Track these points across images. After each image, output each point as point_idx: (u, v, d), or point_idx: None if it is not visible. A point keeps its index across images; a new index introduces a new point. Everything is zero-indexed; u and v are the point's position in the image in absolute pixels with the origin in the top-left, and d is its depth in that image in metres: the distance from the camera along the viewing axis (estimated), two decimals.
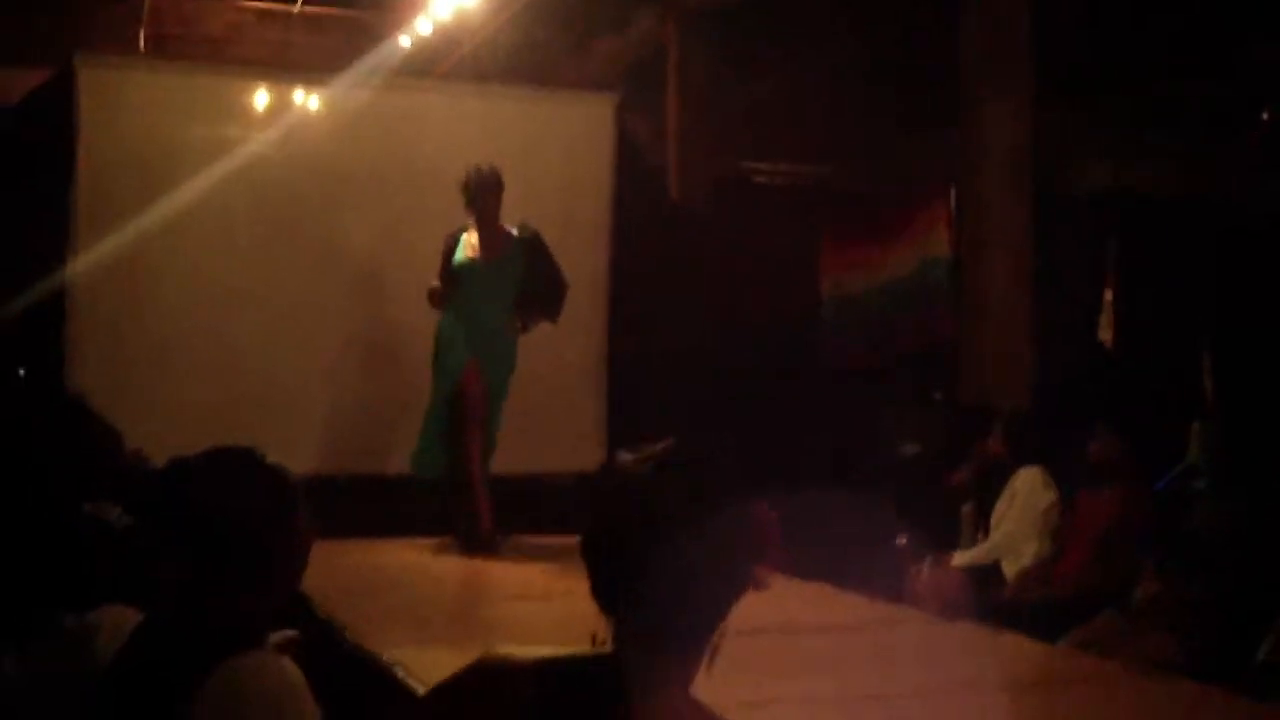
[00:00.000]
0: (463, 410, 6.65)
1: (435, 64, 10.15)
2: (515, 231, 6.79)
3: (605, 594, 1.76)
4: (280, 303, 7.80)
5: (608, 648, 1.75)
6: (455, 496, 6.70)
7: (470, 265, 6.77)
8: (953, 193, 8.35)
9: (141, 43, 10.17)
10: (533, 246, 6.82)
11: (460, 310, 6.76)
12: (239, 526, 2.24)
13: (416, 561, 6.38)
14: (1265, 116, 10.72)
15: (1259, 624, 4.88)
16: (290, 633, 2.99)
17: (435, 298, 6.79)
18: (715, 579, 1.72)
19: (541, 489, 7.52)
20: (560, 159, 8.38)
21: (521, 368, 7.96)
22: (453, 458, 6.67)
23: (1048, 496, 6.05)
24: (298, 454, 7.08)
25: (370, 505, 7.02)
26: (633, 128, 9.07)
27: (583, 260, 8.20)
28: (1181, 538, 5.39)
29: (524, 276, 6.75)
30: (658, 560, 1.68)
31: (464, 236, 6.82)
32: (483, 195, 6.70)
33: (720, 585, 1.73)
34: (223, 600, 2.23)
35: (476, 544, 6.49)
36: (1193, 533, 5.34)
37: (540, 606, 5.30)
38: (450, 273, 6.79)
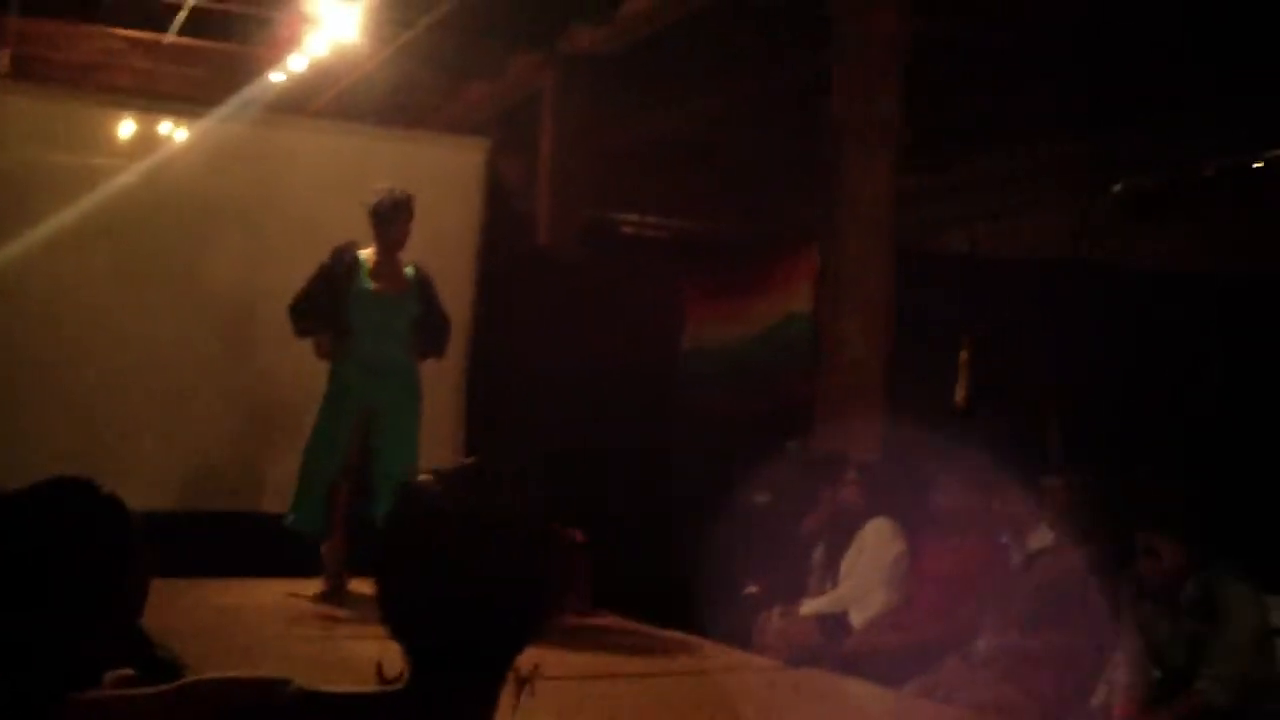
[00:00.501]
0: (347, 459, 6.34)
1: (308, 101, 10.14)
2: (410, 269, 6.55)
3: (396, 620, 1.68)
4: (141, 335, 7.67)
5: (399, 684, 1.67)
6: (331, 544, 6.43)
7: (371, 296, 6.39)
8: (817, 248, 8.50)
9: (4, 65, 9.97)
10: (426, 283, 6.60)
11: (358, 348, 6.38)
12: (67, 559, 2.11)
13: (273, 602, 6.29)
14: (1117, 188, 11.12)
15: (1093, 672, 5.06)
16: (126, 671, 2.94)
17: (321, 347, 6.43)
18: (510, 605, 1.65)
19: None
20: (431, 201, 8.34)
21: None
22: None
23: (896, 547, 6.17)
24: (156, 490, 7.02)
25: (232, 543, 6.89)
26: (505, 171, 9.12)
27: (449, 303, 8.22)
28: (1026, 589, 5.55)
29: (420, 313, 6.49)
30: (447, 583, 1.62)
31: (362, 262, 6.41)
32: (395, 220, 6.35)
33: (516, 612, 1.66)
34: (52, 638, 2.09)
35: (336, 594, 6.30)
36: (1037, 584, 5.49)
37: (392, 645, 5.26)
38: (338, 299, 6.35)
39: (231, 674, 1.77)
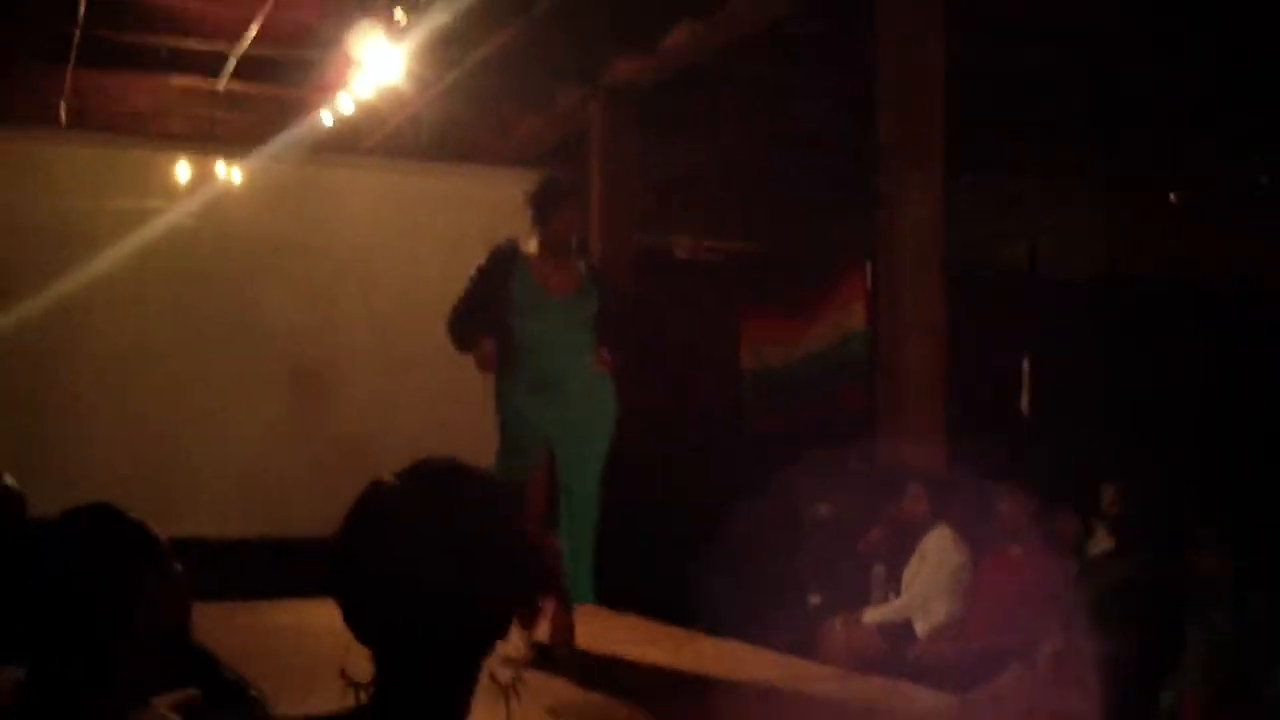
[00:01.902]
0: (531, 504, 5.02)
1: (360, 140, 10.28)
2: (582, 264, 5.40)
3: (357, 620, 1.61)
4: (198, 371, 7.82)
5: (365, 699, 1.61)
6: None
7: (537, 302, 5.18)
8: (869, 268, 8.54)
9: (63, 116, 10.20)
10: (601, 276, 5.48)
11: (528, 364, 5.16)
12: (91, 585, 2.14)
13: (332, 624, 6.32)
14: (1172, 198, 11.06)
15: (1159, 678, 4.99)
16: (190, 692, 2.97)
17: (487, 357, 5.14)
18: (473, 609, 1.59)
19: None
20: (482, 235, 8.45)
21: (442, 446, 7.99)
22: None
23: (958, 557, 6.16)
24: (223, 518, 7.13)
25: (295, 567, 6.95)
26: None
27: None
28: (1087, 596, 5.50)
29: (598, 315, 5.25)
30: (408, 588, 1.56)
31: (521, 261, 5.23)
32: (558, 208, 5.26)
33: (480, 615, 1.60)
34: (88, 660, 2.12)
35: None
36: (1098, 591, 5.44)
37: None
38: (505, 309, 5.15)
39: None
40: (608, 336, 5.26)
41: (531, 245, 5.26)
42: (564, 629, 5.06)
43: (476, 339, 5.16)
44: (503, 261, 5.24)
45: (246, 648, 5.14)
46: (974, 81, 9.05)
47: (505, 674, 1.67)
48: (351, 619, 1.61)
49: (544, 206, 5.28)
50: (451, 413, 8.25)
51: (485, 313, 5.18)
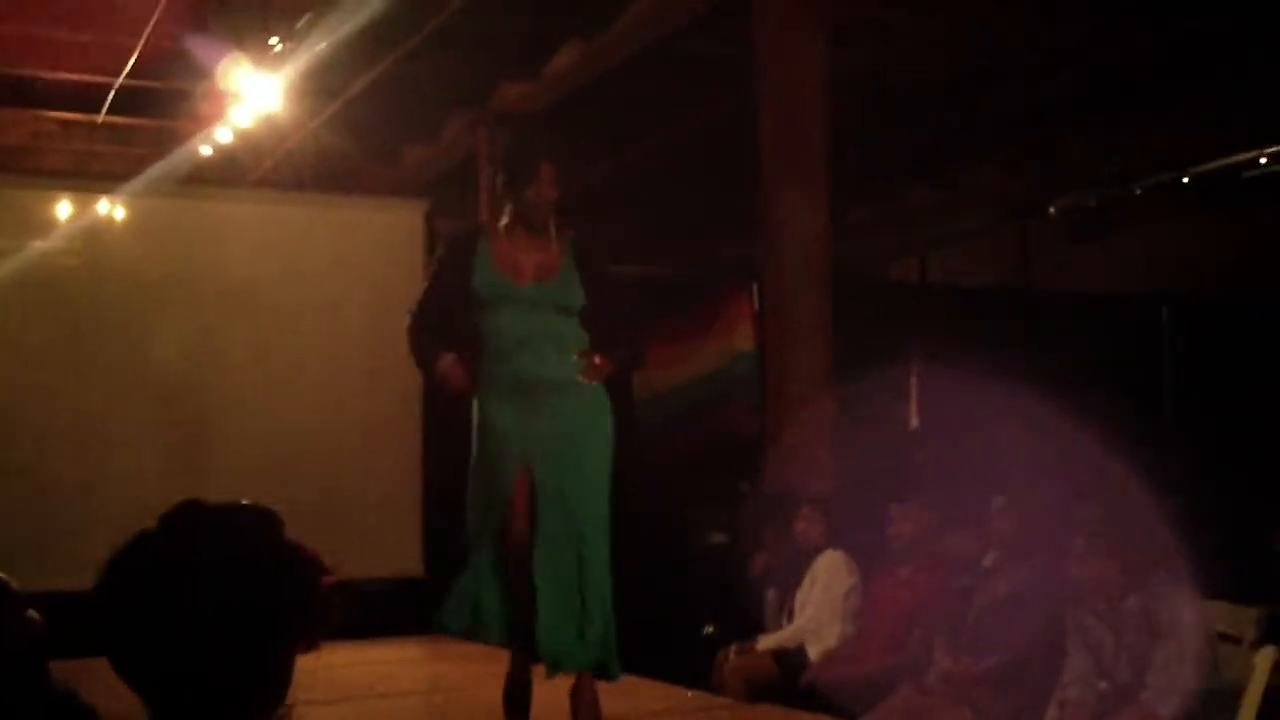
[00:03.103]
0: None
1: (246, 172, 10.16)
2: (569, 243, 4.40)
3: (126, 669, 1.57)
4: (83, 411, 7.67)
5: None
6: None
7: (508, 290, 4.27)
8: (755, 287, 8.58)
9: None
10: (588, 255, 4.40)
11: (499, 368, 4.26)
12: None
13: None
14: (1051, 211, 11.27)
15: (1044, 690, 5.08)
16: None
17: (448, 376, 4.26)
18: (241, 644, 1.56)
19: (358, 594, 7.45)
20: (371, 266, 8.41)
21: (333, 478, 7.90)
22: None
23: (848, 580, 6.21)
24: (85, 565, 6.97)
25: None
26: (444, 232, 9.15)
27: (394, 371, 8.23)
28: (972, 614, 5.58)
29: (585, 300, 4.32)
30: (172, 626, 1.55)
31: (483, 245, 4.34)
32: (533, 171, 4.25)
33: (250, 651, 1.57)
34: None
35: None
36: (981, 609, 5.53)
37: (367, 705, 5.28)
38: (466, 302, 4.27)
39: None
40: (599, 334, 4.33)
41: (504, 222, 4.34)
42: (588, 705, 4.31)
43: (432, 358, 4.28)
44: (460, 249, 4.33)
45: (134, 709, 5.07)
46: (861, 95, 9.19)
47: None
48: (121, 669, 1.58)
49: (515, 172, 4.30)
50: (346, 445, 8.23)
51: (449, 316, 4.29)
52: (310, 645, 1.60)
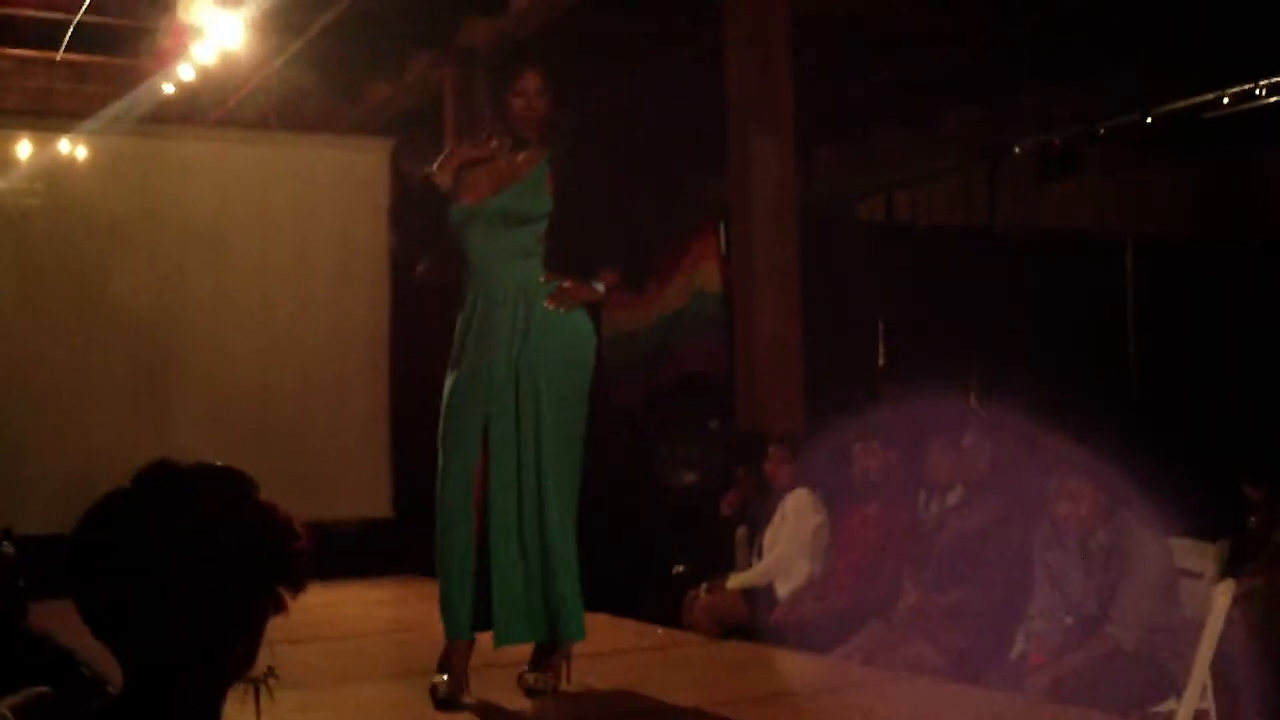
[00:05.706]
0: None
1: (208, 110, 10.04)
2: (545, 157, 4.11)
3: (95, 618, 1.60)
4: (48, 355, 7.60)
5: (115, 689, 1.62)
6: None
7: (469, 210, 4.02)
8: (722, 229, 8.57)
9: None
10: (560, 168, 4.13)
11: (475, 291, 4.06)
12: None
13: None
14: (1017, 150, 11.27)
15: (1010, 624, 5.15)
16: (41, 690, 2.92)
17: (425, 272, 4.21)
18: (209, 598, 1.58)
19: (327, 536, 7.44)
20: (335, 205, 8.35)
21: (303, 417, 7.86)
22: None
23: (816, 518, 6.25)
24: (61, 513, 6.94)
25: None
26: (409, 172, 9.08)
27: (361, 310, 8.21)
28: (940, 549, 5.63)
29: (553, 208, 4.05)
30: (144, 589, 1.57)
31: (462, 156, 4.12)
32: (513, 79, 4.05)
33: (218, 605, 1.59)
34: None
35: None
36: (949, 544, 5.58)
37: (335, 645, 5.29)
38: (447, 230, 4.04)
39: None
40: (565, 252, 4.04)
41: (492, 144, 4.10)
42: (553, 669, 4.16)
43: (429, 273, 4.19)
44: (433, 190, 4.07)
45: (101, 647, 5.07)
46: (832, 39, 9.16)
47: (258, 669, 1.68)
48: (89, 617, 1.60)
49: (498, 84, 4.11)
50: (313, 386, 8.19)
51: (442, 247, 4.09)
52: (280, 607, 1.62)
